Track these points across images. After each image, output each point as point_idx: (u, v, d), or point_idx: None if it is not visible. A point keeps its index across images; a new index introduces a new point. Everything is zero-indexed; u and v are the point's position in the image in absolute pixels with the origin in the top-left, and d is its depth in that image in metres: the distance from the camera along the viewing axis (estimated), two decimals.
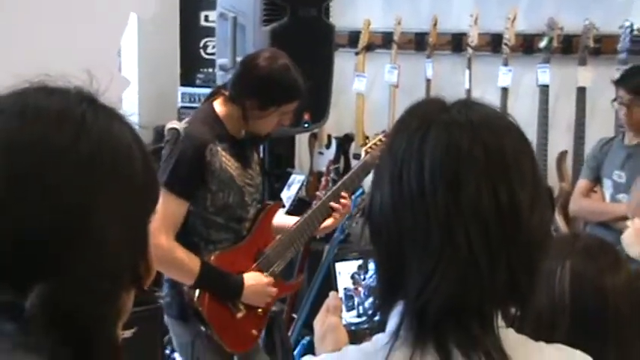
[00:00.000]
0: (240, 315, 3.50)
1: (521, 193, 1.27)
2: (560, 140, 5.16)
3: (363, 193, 4.55)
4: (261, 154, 3.83)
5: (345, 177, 3.86)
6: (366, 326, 2.24)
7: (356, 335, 1.57)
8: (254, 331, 3.59)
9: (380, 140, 3.88)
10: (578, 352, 1.39)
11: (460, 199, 1.24)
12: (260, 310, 3.59)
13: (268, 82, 3.37)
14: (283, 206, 4.13)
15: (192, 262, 3.31)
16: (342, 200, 3.71)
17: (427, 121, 1.30)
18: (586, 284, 1.79)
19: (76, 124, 1.01)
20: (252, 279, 3.50)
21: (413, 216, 1.26)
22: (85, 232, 0.97)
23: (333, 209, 3.69)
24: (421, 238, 1.25)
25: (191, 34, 6.00)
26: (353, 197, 4.14)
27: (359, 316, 2.33)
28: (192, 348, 3.49)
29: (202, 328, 3.45)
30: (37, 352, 0.93)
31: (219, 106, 3.45)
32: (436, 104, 1.35)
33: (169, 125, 3.29)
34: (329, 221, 3.72)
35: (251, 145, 3.58)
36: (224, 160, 3.39)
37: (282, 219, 3.76)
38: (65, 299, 0.94)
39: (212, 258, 3.42)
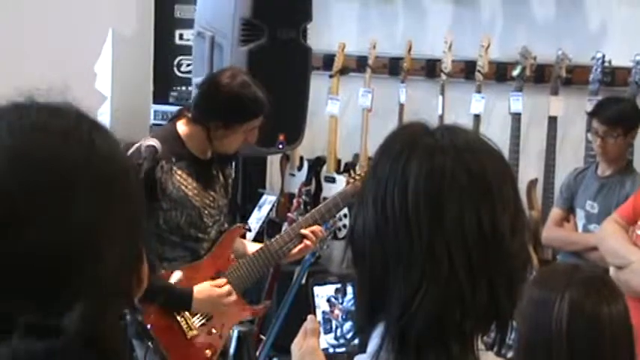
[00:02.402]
0: (192, 334, 3.46)
1: (502, 217, 1.28)
2: (530, 168, 5.20)
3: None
4: (232, 176, 3.74)
5: (321, 205, 3.80)
6: (344, 349, 2.24)
7: (334, 359, 1.57)
8: (207, 352, 3.53)
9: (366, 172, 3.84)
10: None
11: (443, 221, 1.25)
12: (215, 330, 3.54)
13: (230, 100, 3.36)
14: (249, 230, 4.06)
15: None
16: (314, 228, 3.67)
17: (411, 145, 1.32)
18: (584, 314, 1.81)
19: (84, 142, 1.00)
20: (203, 288, 3.45)
21: (396, 238, 1.27)
22: (99, 248, 0.97)
23: (304, 236, 3.65)
24: (404, 260, 1.26)
25: (165, 51, 6.00)
26: None
27: (336, 339, 2.32)
28: None
29: (150, 345, 3.41)
30: None
31: (182, 126, 3.44)
32: (419, 128, 1.37)
33: (147, 142, 3.28)
34: (299, 246, 3.67)
35: (217, 167, 3.55)
36: (179, 178, 3.37)
37: (250, 247, 3.71)
38: (100, 318, 0.94)
39: (164, 273, 3.37)
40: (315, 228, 3.66)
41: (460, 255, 1.25)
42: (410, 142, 1.32)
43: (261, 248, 3.62)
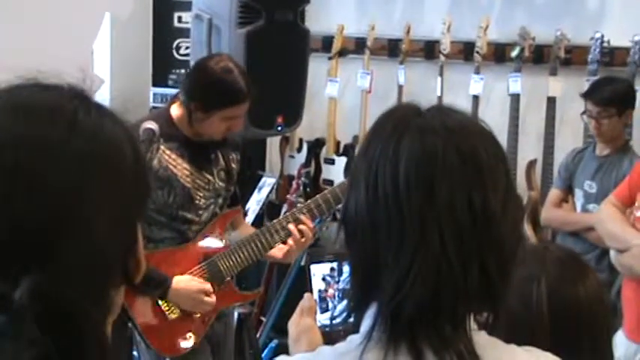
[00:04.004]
0: (173, 317, 3.43)
1: (493, 197, 1.29)
2: (529, 149, 5.20)
3: None
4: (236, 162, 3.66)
5: (328, 192, 3.58)
6: (340, 328, 2.25)
7: (330, 337, 1.59)
8: (189, 336, 3.47)
9: None
10: (549, 355, 1.42)
11: (434, 202, 1.26)
12: (198, 315, 3.48)
13: (209, 83, 3.36)
14: (245, 214, 3.99)
15: None
16: (303, 226, 3.47)
17: (402, 126, 1.32)
18: (562, 295, 1.82)
19: (68, 119, 1.01)
20: (182, 282, 3.39)
21: (387, 219, 1.28)
22: (75, 225, 0.98)
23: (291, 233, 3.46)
24: (395, 240, 1.27)
25: (164, 34, 6.00)
26: None
27: (332, 318, 2.33)
28: (131, 345, 3.46)
29: (130, 326, 3.39)
30: (27, 344, 0.93)
31: (175, 109, 3.45)
32: (411, 109, 1.37)
33: (145, 125, 3.29)
34: (284, 250, 3.51)
35: (217, 150, 3.53)
36: (166, 158, 3.37)
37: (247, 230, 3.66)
38: (54, 291, 0.94)
39: (147, 254, 3.29)
40: (303, 227, 3.45)
41: (451, 235, 1.25)
42: (401, 122, 1.33)
43: (256, 232, 3.55)
